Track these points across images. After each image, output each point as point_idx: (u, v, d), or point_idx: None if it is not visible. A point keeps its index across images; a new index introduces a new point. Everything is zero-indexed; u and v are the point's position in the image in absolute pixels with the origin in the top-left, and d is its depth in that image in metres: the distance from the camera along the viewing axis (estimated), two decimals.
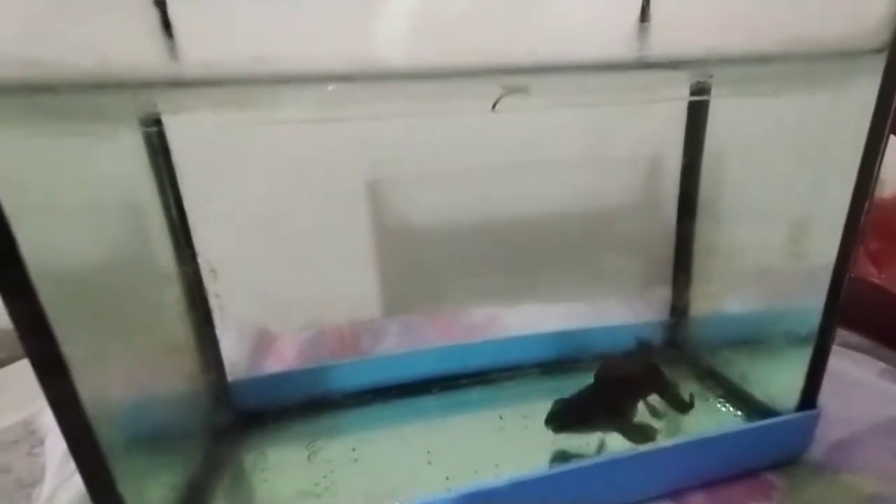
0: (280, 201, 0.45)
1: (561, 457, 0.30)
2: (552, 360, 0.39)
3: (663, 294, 0.42)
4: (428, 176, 0.48)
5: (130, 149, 0.26)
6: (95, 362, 0.19)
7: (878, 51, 0.21)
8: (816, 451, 0.30)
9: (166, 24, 0.23)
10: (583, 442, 0.31)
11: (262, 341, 0.46)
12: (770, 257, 0.33)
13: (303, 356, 0.44)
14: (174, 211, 0.29)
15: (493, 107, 0.20)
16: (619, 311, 0.49)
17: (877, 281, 0.42)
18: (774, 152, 0.32)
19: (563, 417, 0.30)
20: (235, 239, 0.35)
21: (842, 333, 0.42)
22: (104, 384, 0.20)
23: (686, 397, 0.32)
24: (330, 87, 0.18)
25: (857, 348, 0.41)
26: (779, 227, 0.31)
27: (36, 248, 0.16)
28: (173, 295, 0.29)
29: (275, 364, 0.43)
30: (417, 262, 0.52)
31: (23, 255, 0.16)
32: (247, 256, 0.37)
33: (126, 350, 0.24)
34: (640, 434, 0.30)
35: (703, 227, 0.38)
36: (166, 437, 0.27)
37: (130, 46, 0.20)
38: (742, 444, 0.29)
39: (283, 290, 0.46)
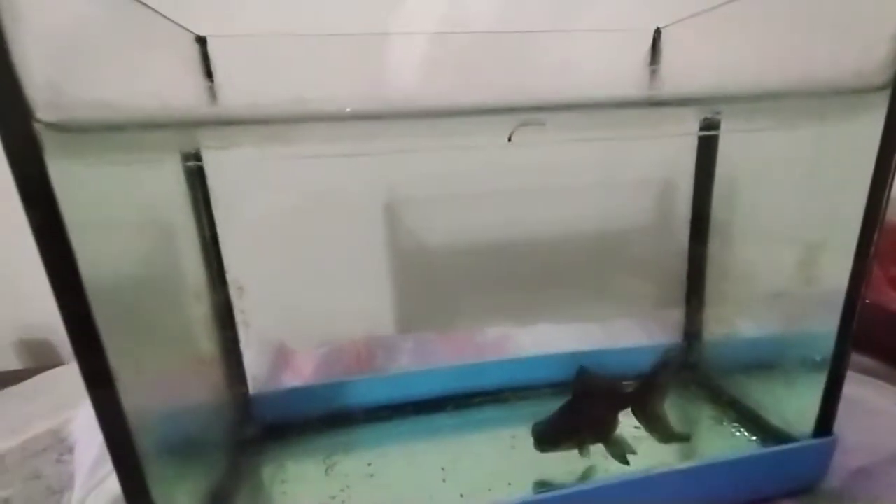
0: (302, 223, 0.47)
1: (543, 485, 0.30)
2: (564, 381, 0.39)
3: (676, 316, 0.42)
4: (444, 198, 0.50)
5: (171, 176, 0.28)
6: (134, 372, 0.21)
7: (882, 88, 0.22)
8: (833, 479, 0.30)
9: (207, 67, 0.25)
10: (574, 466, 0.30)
11: (281, 356, 0.48)
12: (783, 281, 0.33)
13: (320, 371, 0.45)
14: (207, 232, 0.31)
15: (509, 138, 0.21)
16: (631, 332, 0.49)
17: None
18: (786, 177, 0.32)
19: (547, 436, 0.30)
20: (259, 258, 0.37)
21: (861, 360, 0.41)
22: (141, 394, 0.21)
23: (681, 429, 0.31)
24: (347, 109, 0.20)
25: (876, 375, 0.40)
26: (791, 251, 0.31)
27: (87, 263, 0.18)
28: (204, 310, 0.31)
29: (293, 379, 0.44)
30: (432, 281, 0.53)
31: (79, 268, 0.17)
32: (269, 275, 0.39)
33: (160, 362, 0.25)
34: (620, 447, 0.29)
35: (716, 250, 0.39)
36: (193, 447, 0.28)
37: (176, 85, 0.22)
38: (756, 470, 0.29)
39: (302, 307, 0.48)
